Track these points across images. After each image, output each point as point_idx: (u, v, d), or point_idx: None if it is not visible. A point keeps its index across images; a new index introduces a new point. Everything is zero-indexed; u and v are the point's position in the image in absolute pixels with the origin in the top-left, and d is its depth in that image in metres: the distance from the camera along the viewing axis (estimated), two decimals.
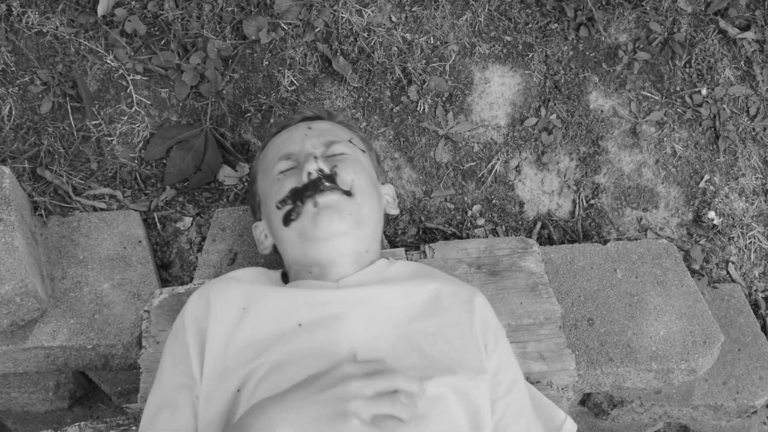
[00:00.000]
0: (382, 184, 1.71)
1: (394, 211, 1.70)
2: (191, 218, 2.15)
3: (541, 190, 2.25)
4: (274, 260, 1.85)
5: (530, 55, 2.26)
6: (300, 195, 1.47)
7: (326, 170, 1.48)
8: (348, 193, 1.48)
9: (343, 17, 2.15)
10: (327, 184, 1.46)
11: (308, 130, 1.62)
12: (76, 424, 1.66)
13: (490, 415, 1.37)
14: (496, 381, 1.41)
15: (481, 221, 2.19)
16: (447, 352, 1.37)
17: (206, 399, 1.33)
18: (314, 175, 1.47)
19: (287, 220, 1.48)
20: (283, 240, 1.52)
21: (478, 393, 1.34)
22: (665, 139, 2.29)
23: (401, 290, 1.45)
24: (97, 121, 2.11)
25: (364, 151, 1.65)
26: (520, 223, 2.23)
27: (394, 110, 2.19)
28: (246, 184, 2.15)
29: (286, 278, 1.59)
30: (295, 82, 2.16)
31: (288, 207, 1.48)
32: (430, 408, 1.26)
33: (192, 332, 1.39)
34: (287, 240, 1.51)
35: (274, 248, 1.64)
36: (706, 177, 2.30)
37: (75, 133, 2.10)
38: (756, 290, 2.32)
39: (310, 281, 1.48)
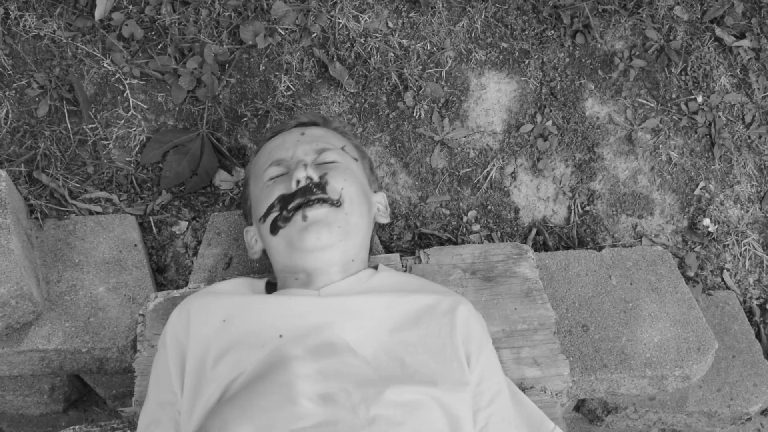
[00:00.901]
0: (375, 192, 1.71)
1: (385, 219, 1.70)
2: (187, 222, 2.15)
3: (536, 196, 2.25)
4: (264, 266, 1.85)
5: (526, 62, 2.27)
6: (288, 202, 1.47)
7: (315, 178, 1.49)
8: (337, 203, 1.48)
9: (339, 23, 2.15)
10: (316, 192, 1.47)
11: (301, 136, 1.62)
12: (71, 427, 1.66)
13: (471, 426, 1.36)
14: (478, 391, 1.40)
15: (476, 227, 2.20)
16: (428, 363, 1.37)
17: (188, 411, 1.33)
18: (303, 183, 1.48)
19: (275, 228, 1.49)
20: (271, 247, 1.53)
21: (459, 405, 1.34)
22: (661, 146, 2.30)
23: (384, 301, 1.44)
24: (94, 125, 2.11)
25: (356, 159, 1.65)
26: (515, 229, 2.23)
27: (390, 116, 2.19)
28: (242, 188, 2.15)
29: (270, 287, 1.59)
30: (291, 87, 2.16)
31: (275, 214, 1.49)
32: (409, 415, 1.27)
33: (172, 348, 1.41)
34: (275, 247, 1.51)
35: (264, 253, 1.64)
36: (702, 184, 2.31)
37: (71, 136, 2.11)
38: (750, 297, 2.33)
39: (292, 290, 1.48)
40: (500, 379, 1.48)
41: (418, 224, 2.18)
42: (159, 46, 2.12)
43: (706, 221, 2.27)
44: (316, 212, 1.45)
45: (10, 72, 2.09)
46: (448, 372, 1.37)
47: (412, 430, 1.25)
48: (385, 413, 1.25)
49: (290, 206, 1.47)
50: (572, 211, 2.26)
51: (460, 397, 1.35)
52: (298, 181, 1.48)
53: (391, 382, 1.29)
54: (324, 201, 1.46)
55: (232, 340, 1.37)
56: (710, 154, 2.33)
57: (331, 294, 1.45)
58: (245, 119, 2.16)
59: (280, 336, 1.36)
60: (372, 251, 1.79)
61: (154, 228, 2.13)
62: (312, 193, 1.46)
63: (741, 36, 2.39)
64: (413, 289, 1.53)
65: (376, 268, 1.61)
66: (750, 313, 2.31)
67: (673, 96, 2.32)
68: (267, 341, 1.36)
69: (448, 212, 2.20)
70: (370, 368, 1.31)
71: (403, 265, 1.82)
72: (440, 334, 1.42)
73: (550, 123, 2.25)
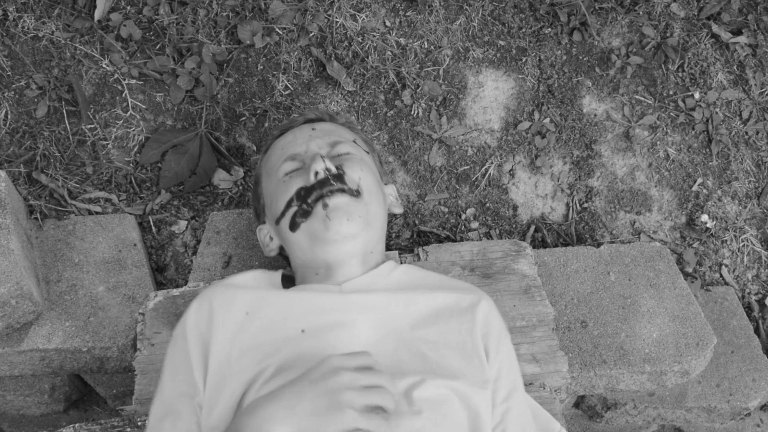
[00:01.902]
0: (386, 184, 1.71)
1: (398, 209, 1.69)
2: (186, 222, 2.16)
3: (534, 193, 2.26)
4: (270, 263, 1.86)
5: (524, 60, 2.27)
6: (308, 195, 1.46)
7: (333, 169, 1.48)
8: (356, 193, 1.48)
9: (337, 22, 2.16)
10: (335, 183, 1.46)
11: (312, 131, 1.61)
12: (71, 425, 1.66)
13: (490, 423, 1.37)
14: (495, 387, 1.40)
15: (474, 224, 2.20)
16: (449, 358, 1.37)
17: (210, 405, 1.32)
18: (321, 175, 1.46)
19: (295, 223, 1.48)
20: (292, 242, 1.51)
21: (478, 401, 1.34)
22: (658, 142, 2.30)
23: (404, 298, 1.44)
24: (93, 125, 2.12)
25: (368, 152, 1.65)
26: (513, 226, 2.23)
27: (388, 114, 2.20)
28: (241, 187, 2.16)
29: (285, 280, 1.59)
30: (289, 86, 2.17)
31: (294, 209, 1.48)
32: (431, 408, 1.27)
33: (194, 340, 1.39)
34: (296, 242, 1.50)
35: (280, 250, 1.64)
36: (699, 180, 2.31)
37: (70, 137, 2.11)
38: (749, 293, 2.33)
39: (314, 285, 1.48)
40: (517, 375, 1.47)
41: (416, 222, 2.18)
42: (157, 47, 2.13)
43: (704, 217, 2.28)
44: (337, 201, 1.44)
45: (9, 73, 2.09)
46: (469, 369, 1.37)
47: (429, 420, 1.26)
48: (409, 408, 1.25)
49: (310, 199, 1.46)
50: (570, 208, 2.26)
51: (480, 393, 1.35)
52: (316, 173, 1.46)
53: (417, 377, 1.30)
54: (343, 191, 1.46)
55: (256, 334, 1.36)
56: (708, 150, 2.33)
57: (353, 290, 1.45)
58: (244, 119, 2.16)
59: (302, 331, 1.36)
60: None
61: (153, 227, 2.14)
62: (330, 185, 1.46)
63: (738, 32, 2.40)
64: (433, 285, 1.52)
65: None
66: (748, 309, 2.31)
67: (671, 92, 2.33)
68: (291, 337, 1.35)
69: (446, 210, 2.21)
70: (398, 369, 1.32)
71: (401, 263, 1.83)
72: (460, 331, 1.42)
73: (547, 120, 2.25)
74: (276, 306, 1.41)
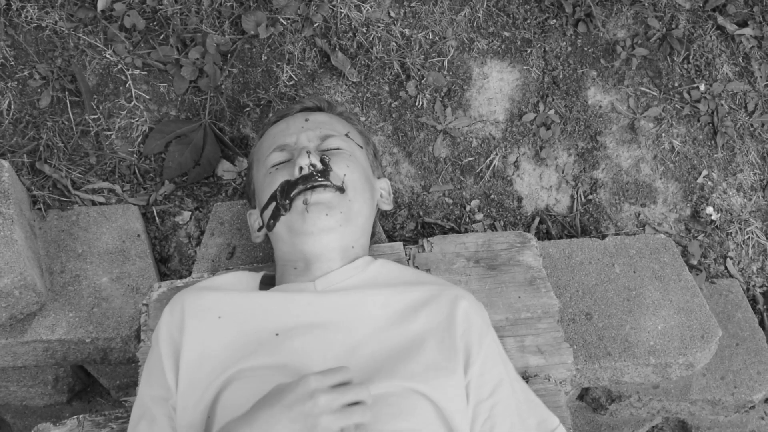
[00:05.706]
0: (378, 178, 1.70)
1: (387, 206, 1.69)
2: (190, 212, 2.15)
3: (539, 185, 2.25)
4: (267, 256, 1.85)
5: (529, 51, 2.26)
6: (290, 190, 1.47)
7: (318, 165, 1.48)
8: (340, 189, 1.48)
9: (341, 12, 2.15)
10: (319, 179, 1.46)
11: (305, 122, 1.62)
12: (75, 416, 1.66)
13: (466, 418, 1.36)
14: (479, 383, 1.39)
15: (479, 216, 2.20)
16: (423, 353, 1.36)
17: (183, 407, 1.33)
18: (306, 171, 1.47)
19: (276, 215, 1.49)
20: (273, 233, 1.53)
21: (447, 395, 1.33)
22: (663, 134, 2.29)
23: (381, 298, 1.44)
24: (96, 116, 2.11)
25: (361, 147, 1.65)
26: (518, 218, 2.23)
27: (393, 105, 2.19)
28: (244, 178, 2.15)
29: (265, 280, 1.58)
30: (293, 77, 2.16)
31: (275, 203, 1.49)
32: (399, 406, 1.27)
33: (165, 344, 1.40)
34: (276, 233, 1.52)
35: (266, 237, 1.64)
36: (704, 172, 2.31)
37: (74, 127, 2.11)
38: (754, 285, 2.33)
39: (290, 284, 1.48)
40: (501, 370, 1.45)
41: (421, 213, 2.18)
42: (161, 37, 2.12)
43: (709, 209, 2.27)
44: (318, 196, 1.45)
45: (12, 63, 2.09)
46: (444, 362, 1.37)
47: (394, 422, 1.26)
48: (382, 412, 1.25)
49: (292, 193, 1.46)
50: (575, 200, 2.26)
51: (448, 389, 1.34)
52: (300, 168, 1.47)
53: (390, 380, 1.30)
54: (327, 187, 1.47)
55: (228, 338, 1.37)
56: (713, 142, 2.33)
57: (327, 289, 1.45)
58: (248, 109, 2.16)
59: (276, 335, 1.36)
60: (375, 240, 1.79)
61: (157, 218, 2.14)
62: (314, 180, 1.46)
63: (743, 24, 2.39)
64: (409, 281, 1.52)
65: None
66: (753, 301, 2.31)
67: (676, 84, 2.32)
68: (264, 340, 1.36)
69: (451, 201, 2.20)
70: (374, 372, 1.31)
71: (406, 254, 1.82)
72: (440, 325, 1.42)
73: (552, 112, 2.25)
74: (250, 309, 1.42)
